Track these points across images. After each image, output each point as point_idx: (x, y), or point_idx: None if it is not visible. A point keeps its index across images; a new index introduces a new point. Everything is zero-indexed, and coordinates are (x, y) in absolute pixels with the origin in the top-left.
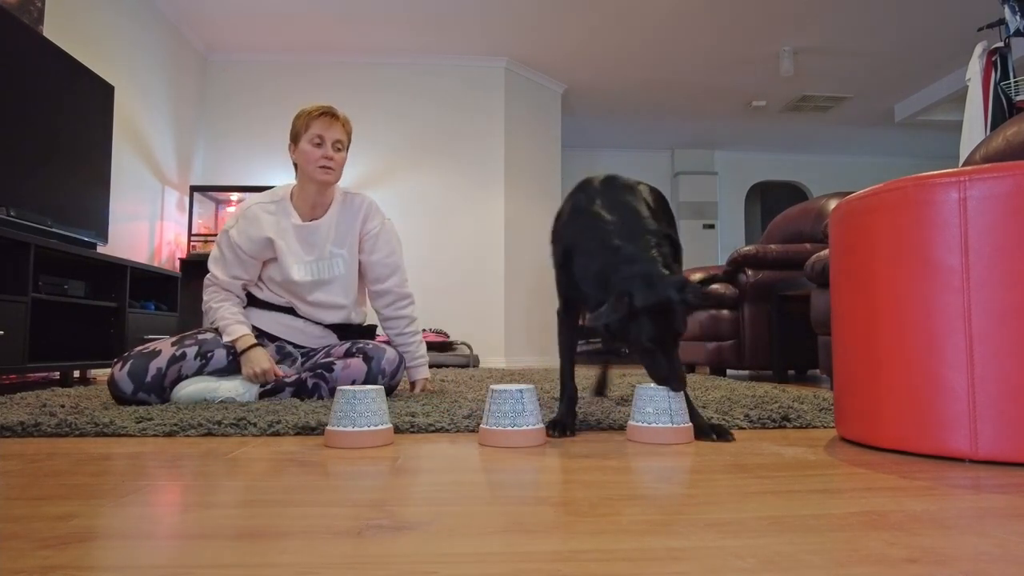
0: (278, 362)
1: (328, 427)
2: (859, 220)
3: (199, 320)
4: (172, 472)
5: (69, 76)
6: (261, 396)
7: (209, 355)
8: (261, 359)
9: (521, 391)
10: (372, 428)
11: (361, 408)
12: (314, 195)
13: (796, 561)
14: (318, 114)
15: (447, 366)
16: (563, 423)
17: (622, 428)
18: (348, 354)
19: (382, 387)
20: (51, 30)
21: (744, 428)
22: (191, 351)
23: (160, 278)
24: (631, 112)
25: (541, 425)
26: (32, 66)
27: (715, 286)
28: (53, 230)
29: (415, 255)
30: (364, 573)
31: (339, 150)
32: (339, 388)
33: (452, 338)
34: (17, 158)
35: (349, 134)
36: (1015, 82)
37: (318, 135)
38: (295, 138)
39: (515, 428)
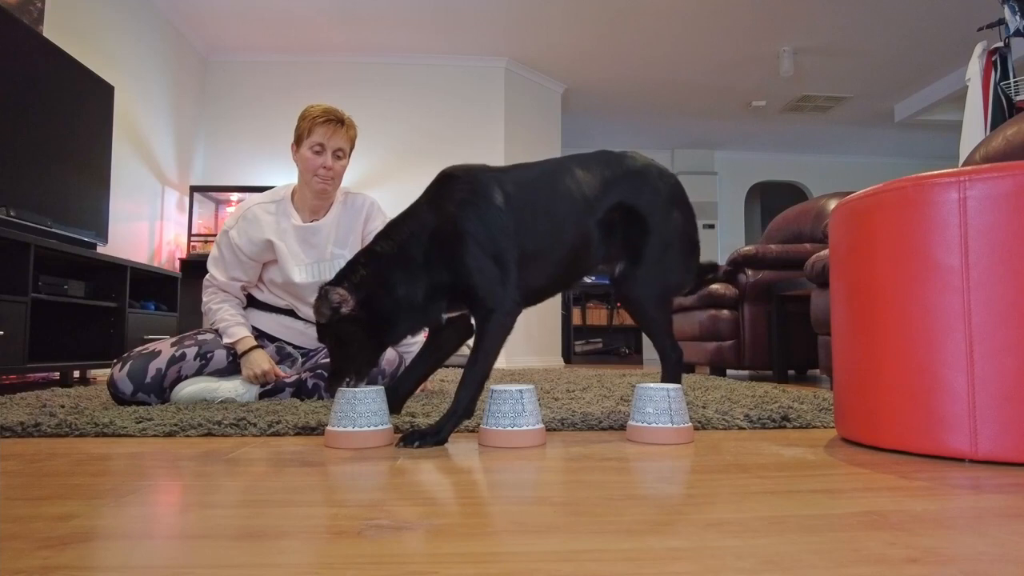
0: (278, 363)
1: (328, 427)
2: (859, 220)
3: (199, 320)
4: (172, 472)
5: (69, 76)
6: (261, 396)
7: (209, 356)
8: (261, 361)
9: (521, 391)
10: (372, 428)
11: (361, 408)
12: (312, 199)
13: (796, 561)
14: (322, 120)
15: (447, 366)
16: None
17: (622, 428)
18: None
19: (382, 387)
20: (51, 30)
21: (744, 428)
22: (191, 352)
23: (160, 278)
24: (631, 112)
25: (541, 425)
26: (32, 66)
27: (715, 286)
28: (53, 230)
29: None
30: (364, 573)
31: (339, 158)
32: (339, 389)
33: None
34: (17, 158)
35: (353, 140)
36: (1015, 82)
37: (319, 143)
38: (297, 140)
39: (515, 428)
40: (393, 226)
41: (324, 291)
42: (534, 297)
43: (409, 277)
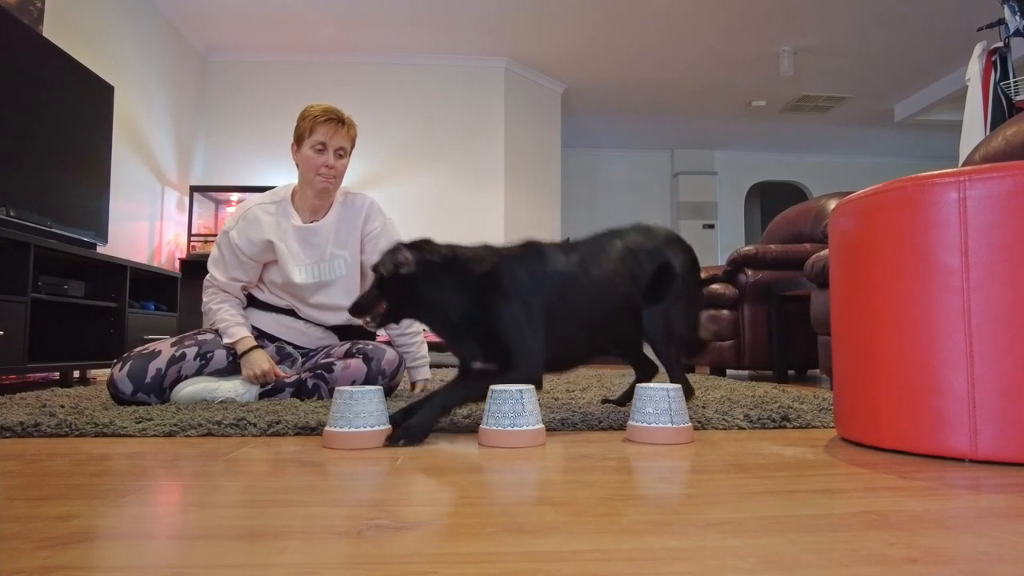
0: (278, 363)
1: (326, 428)
2: (859, 220)
3: (199, 320)
4: (172, 472)
5: (69, 76)
6: (261, 396)
7: (209, 356)
8: (261, 361)
9: (521, 391)
10: (369, 429)
11: (358, 409)
12: (313, 198)
13: (796, 561)
14: (323, 119)
15: (447, 366)
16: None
17: (622, 428)
18: (348, 354)
19: (380, 388)
20: (51, 30)
21: (744, 428)
22: (191, 352)
23: (160, 278)
24: (631, 112)
25: (541, 425)
26: (32, 66)
27: (715, 286)
28: (53, 230)
29: None
30: (364, 573)
31: (341, 157)
32: (337, 388)
33: None
34: (17, 158)
35: (353, 139)
36: (1015, 82)
37: (320, 142)
38: (298, 140)
39: (515, 428)
40: (466, 248)
41: (397, 248)
42: (573, 361)
43: (439, 290)
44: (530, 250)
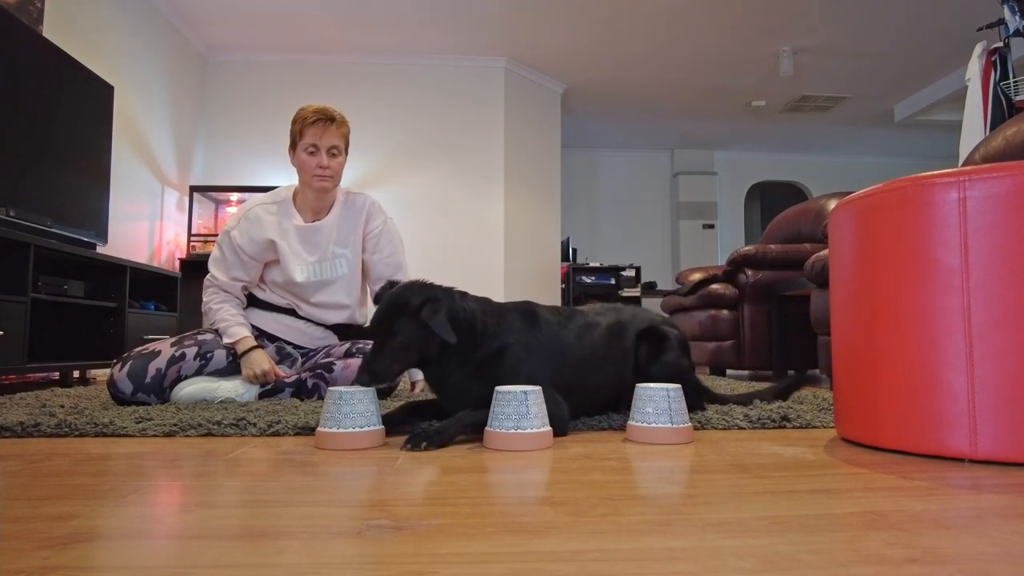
0: (278, 363)
1: (318, 428)
2: (859, 220)
3: (199, 320)
4: (172, 472)
5: (69, 76)
6: (261, 396)
7: (209, 356)
8: (261, 361)
9: (526, 393)
10: (359, 430)
11: (347, 409)
12: (314, 200)
13: (796, 561)
14: (312, 120)
15: None
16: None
17: (622, 428)
18: (348, 354)
19: (371, 388)
20: (51, 30)
21: (744, 428)
22: (190, 352)
23: (160, 278)
24: (631, 112)
25: (547, 428)
26: (32, 66)
27: (715, 286)
28: (53, 230)
29: (414, 255)
30: (364, 573)
31: (335, 156)
32: (329, 389)
33: None
34: (17, 158)
35: (346, 136)
36: (1015, 82)
37: (312, 144)
38: (292, 144)
39: (519, 431)
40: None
41: (433, 301)
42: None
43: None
44: (528, 311)
